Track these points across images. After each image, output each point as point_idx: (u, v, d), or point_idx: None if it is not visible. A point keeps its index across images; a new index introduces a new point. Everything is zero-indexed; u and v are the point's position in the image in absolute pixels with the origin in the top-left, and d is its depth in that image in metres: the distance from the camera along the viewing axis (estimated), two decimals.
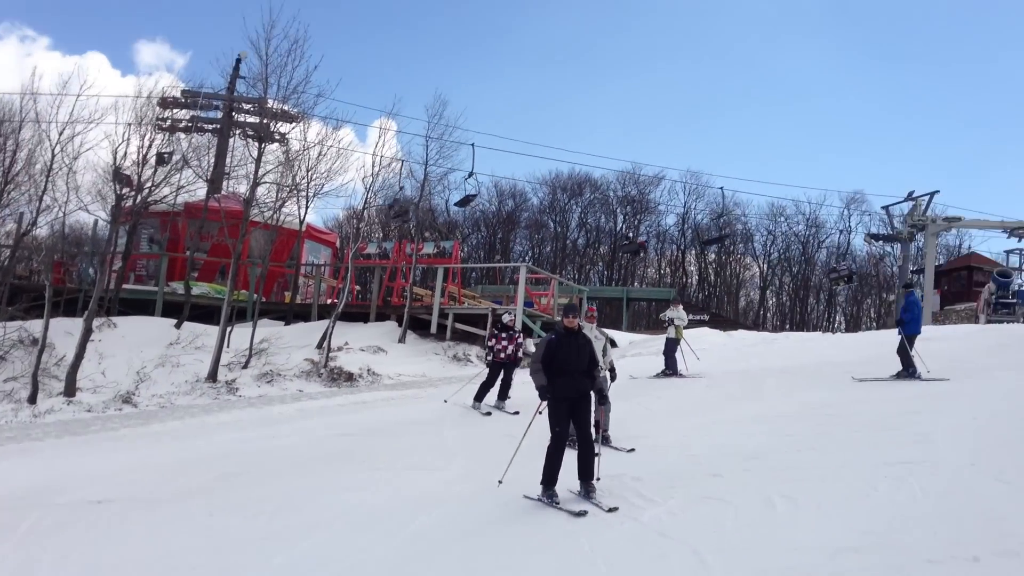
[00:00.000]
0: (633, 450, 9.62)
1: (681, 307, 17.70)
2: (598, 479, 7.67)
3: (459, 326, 23.78)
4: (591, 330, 10.24)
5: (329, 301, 27.02)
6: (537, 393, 7.89)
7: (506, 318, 14.61)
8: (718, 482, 7.72)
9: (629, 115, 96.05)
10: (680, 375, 16.26)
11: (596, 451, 8.19)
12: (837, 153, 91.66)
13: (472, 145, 28.20)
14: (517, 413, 12.76)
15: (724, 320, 45.14)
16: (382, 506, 8.29)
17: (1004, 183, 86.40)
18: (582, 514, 7.00)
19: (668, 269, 64.61)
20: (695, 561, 5.56)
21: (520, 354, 14.37)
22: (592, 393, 8.13)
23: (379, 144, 25.25)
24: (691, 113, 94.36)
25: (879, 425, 9.64)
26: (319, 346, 20.87)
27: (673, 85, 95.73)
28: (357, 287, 32.27)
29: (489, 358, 14.18)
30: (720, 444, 9.56)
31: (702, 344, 22.42)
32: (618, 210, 64.53)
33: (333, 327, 20.84)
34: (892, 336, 15.29)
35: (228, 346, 19.87)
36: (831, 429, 9.76)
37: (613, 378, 10.67)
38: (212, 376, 18.58)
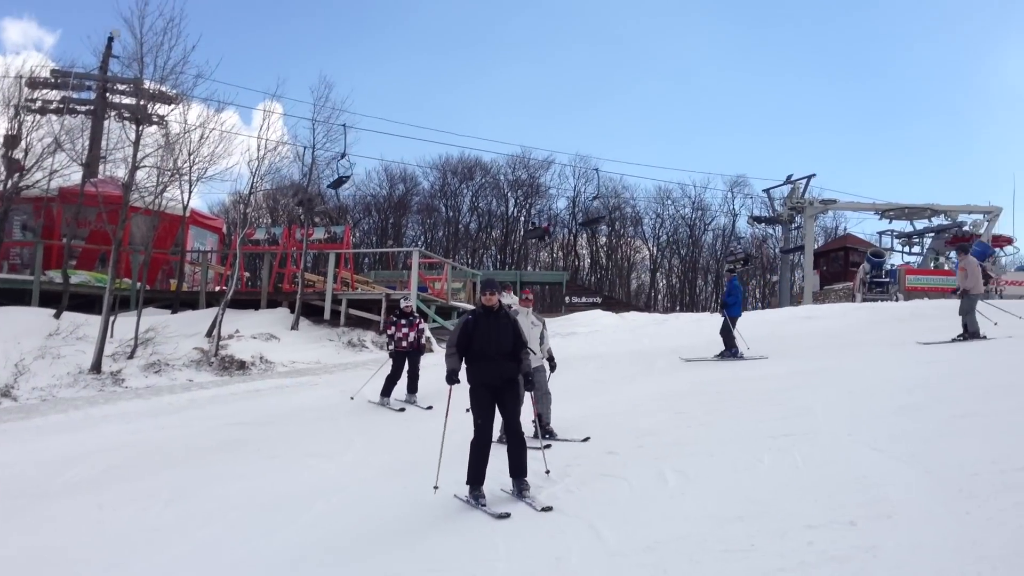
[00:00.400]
0: (588, 439, 8.94)
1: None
2: (548, 472, 7.28)
3: (353, 312, 23.55)
4: (527, 315, 9.51)
5: (217, 288, 26.39)
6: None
7: (403, 304, 14.17)
8: (613, 459, 7.92)
9: (518, 99, 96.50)
10: None
11: (547, 443, 8.16)
12: (721, 137, 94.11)
13: (343, 126, 27.65)
14: (431, 408, 12.28)
15: (616, 302, 45.83)
16: (279, 494, 8.21)
17: (876, 167, 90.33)
18: (504, 516, 6.41)
19: (560, 252, 65.28)
20: (590, 535, 5.71)
21: (423, 341, 14.05)
22: (520, 379, 7.30)
23: (264, 127, 24.72)
24: (580, 97, 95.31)
25: (764, 400, 10.02)
26: (208, 334, 20.35)
27: (561, 69, 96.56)
28: (246, 274, 31.60)
29: (391, 347, 13.52)
30: (615, 423, 9.80)
31: (595, 327, 22.83)
32: (509, 194, 64.82)
33: (223, 315, 20.34)
34: (774, 316, 15.96)
35: (112, 336, 19.19)
36: (720, 405, 10.11)
37: (553, 368, 9.88)
38: (96, 367, 17.91)
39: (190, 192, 23.91)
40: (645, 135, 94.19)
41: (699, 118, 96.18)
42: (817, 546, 4.83)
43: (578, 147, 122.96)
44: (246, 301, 24.17)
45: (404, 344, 13.40)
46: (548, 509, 6.43)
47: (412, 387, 13.37)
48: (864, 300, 33.12)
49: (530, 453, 7.18)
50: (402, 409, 12.84)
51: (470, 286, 30.74)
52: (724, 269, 55.64)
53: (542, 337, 9.71)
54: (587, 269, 65.03)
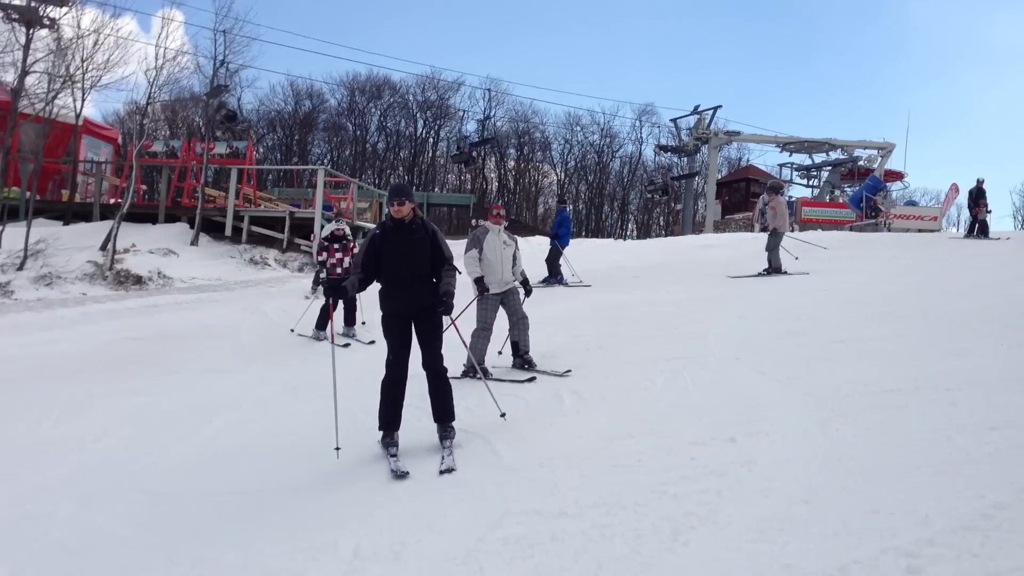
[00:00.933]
0: (569, 371, 8.20)
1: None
2: (504, 415, 6.59)
3: (256, 229, 23.17)
4: (498, 233, 8.62)
5: (112, 201, 25.53)
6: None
7: (335, 227, 12.47)
8: (513, 380, 8.12)
9: (429, 19, 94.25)
10: None
11: (530, 375, 8.01)
12: (631, 67, 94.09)
13: (224, 32, 26.19)
14: (373, 342, 10.99)
15: (523, 227, 46.11)
16: (176, 409, 8.19)
17: (780, 102, 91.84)
18: (403, 476, 5.53)
19: (468, 176, 65.02)
20: (487, 451, 5.89)
21: None
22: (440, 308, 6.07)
23: (162, 35, 23.72)
24: (492, 20, 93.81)
25: (661, 325, 10.36)
26: (103, 248, 19.73)
27: None
28: (143, 187, 30.58)
29: (323, 276, 12.15)
30: None
31: None
32: (418, 115, 63.94)
33: (118, 228, 19.72)
34: (675, 243, 16.37)
35: (0, 247, 18.51)
36: (618, 329, 10.41)
37: (528, 291, 8.94)
38: None
39: (83, 100, 22.94)
40: (556, 62, 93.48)
41: (610, 47, 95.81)
42: (699, 461, 5.11)
43: (489, 70, 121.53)
44: (143, 215, 23.48)
45: (339, 271, 12.02)
46: (449, 471, 5.53)
47: (349, 319, 12.22)
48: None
49: (480, 391, 7.02)
50: (347, 344, 11.38)
51: (376, 206, 30.45)
52: (649, 196, 56.40)
53: (515, 258, 8.77)
54: (495, 192, 64.98)
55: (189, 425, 7.55)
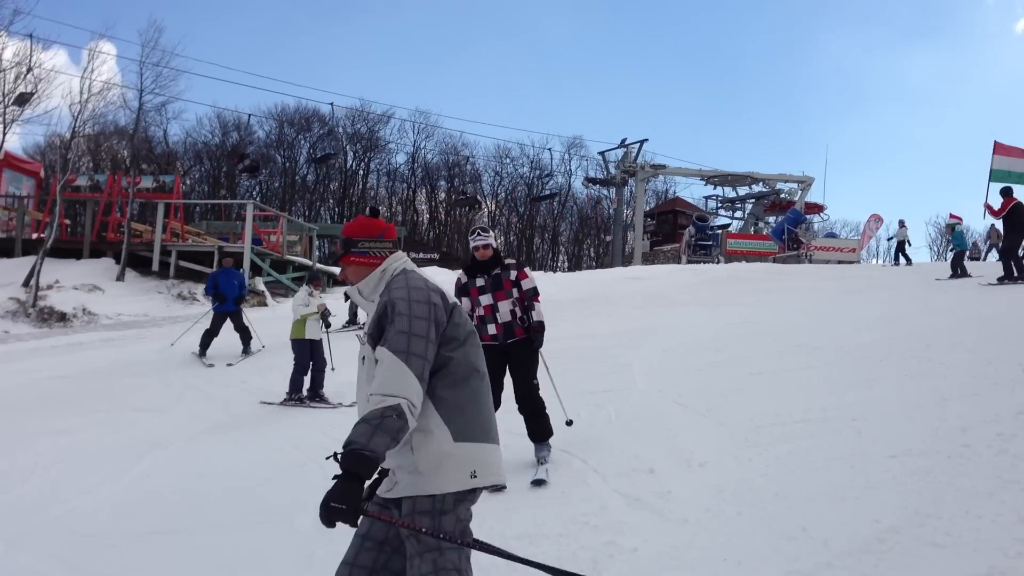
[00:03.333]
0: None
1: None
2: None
3: (184, 264, 22.96)
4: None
5: (35, 236, 25.04)
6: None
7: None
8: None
9: (357, 52, 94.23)
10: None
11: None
12: (560, 99, 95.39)
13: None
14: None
15: (454, 259, 46.33)
16: (105, 448, 8.15)
17: (704, 134, 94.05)
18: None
19: (399, 207, 65.04)
20: None
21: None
22: None
23: (88, 68, 23.53)
24: (421, 52, 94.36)
25: (588, 358, 10.60)
26: (26, 284, 19.38)
27: (401, 24, 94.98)
28: (67, 221, 30.04)
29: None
30: None
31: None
32: (348, 147, 63.80)
33: (41, 263, 19.39)
34: (605, 276, 16.72)
35: None
36: (547, 362, 10.61)
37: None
38: None
39: (4, 133, 22.57)
40: (486, 93, 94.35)
41: (539, 79, 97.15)
42: (620, 491, 5.35)
43: (418, 102, 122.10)
44: (67, 250, 23.12)
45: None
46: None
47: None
48: (689, 262, 34.80)
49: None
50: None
51: (306, 239, 30.38)
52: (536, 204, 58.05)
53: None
54: (426, 224, 65.10)
55: (118, 464, 7.53)
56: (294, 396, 10.06)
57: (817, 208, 44.74)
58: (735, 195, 47.11)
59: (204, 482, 6.87)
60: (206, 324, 13.50)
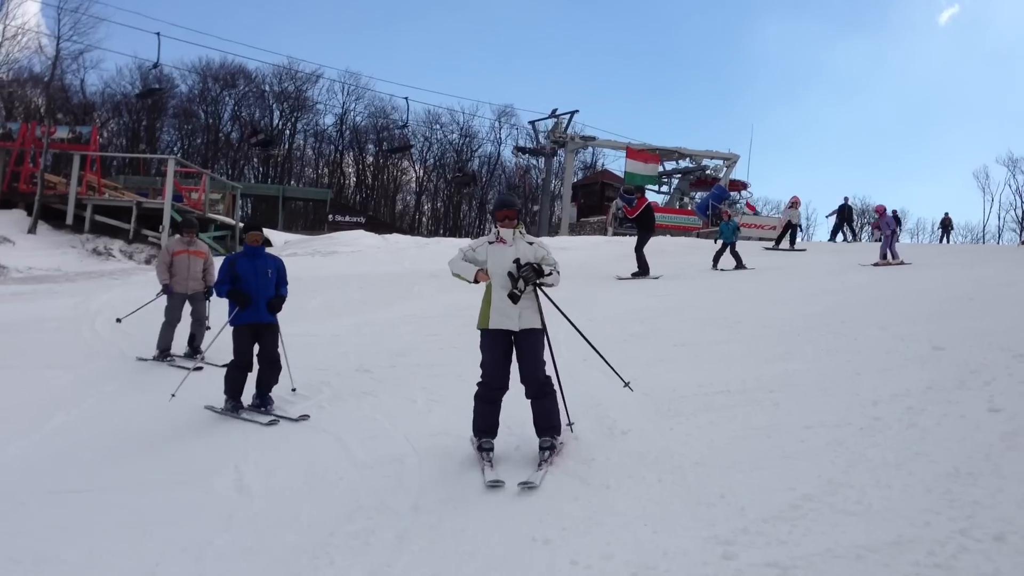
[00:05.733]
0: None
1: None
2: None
3: (100, 218, 22.28)
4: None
5: None
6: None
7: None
8: (366, 377, 8.23)
9: (288, 9, 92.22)
10: None
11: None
12: (491, 66, 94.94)
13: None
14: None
15: (380, 223, 45.93)
16: (15, 405, 7.89)
17: (634, 109, 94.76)
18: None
19: (326, 169, 64.10)
20: (338, 447, 6.02)
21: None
22: None
23: (3, 12, 22.54)
24: (352, 14, 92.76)
25: None
26: None
27: None
28: None
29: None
30: (370, 342, 10.08)
31: (357, 247, 22.87)
32: (274, 105, 62.52)
33: None
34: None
35: None
36: (470, 328, 10.58)
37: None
38: None
39: None
40: (418, 58, 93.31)
41: (471, 44, 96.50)
42: (531, 457, 5.39)
43: (348, 64, 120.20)
44: None
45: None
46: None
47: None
48: (615, 234, 35.04)
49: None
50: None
51: (229, 198, 29.73)
52: (456, 187, 57.99)
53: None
54: (352, 188, 64.32)
55: (28, 422, 7.30)
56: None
57: (741, 185, 45.47)
58: (662, 170, 47.55)
59: (118, 441, 6.71)
60: (214, 330, 9.29)
